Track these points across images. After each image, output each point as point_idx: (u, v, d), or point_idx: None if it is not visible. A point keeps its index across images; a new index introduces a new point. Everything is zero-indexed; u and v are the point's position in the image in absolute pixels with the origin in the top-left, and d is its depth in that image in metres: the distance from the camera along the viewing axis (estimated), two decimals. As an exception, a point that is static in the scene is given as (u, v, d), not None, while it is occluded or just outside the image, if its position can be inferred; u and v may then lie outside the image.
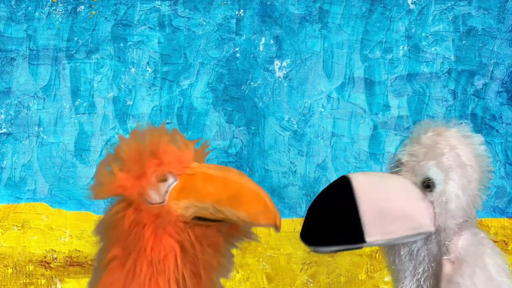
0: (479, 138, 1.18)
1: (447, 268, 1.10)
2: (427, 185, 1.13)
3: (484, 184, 1.17)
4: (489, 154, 1.19)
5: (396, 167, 1.20)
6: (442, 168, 1.12)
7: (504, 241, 2.11)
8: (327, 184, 2.08)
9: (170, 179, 1.14)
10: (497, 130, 2.13)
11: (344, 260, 2.12)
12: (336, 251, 1.16)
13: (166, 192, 1.13)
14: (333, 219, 1.11)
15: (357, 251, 2.13)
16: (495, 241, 2.08)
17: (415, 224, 1.12)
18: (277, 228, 1.10)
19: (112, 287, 1.14)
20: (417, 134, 1.19)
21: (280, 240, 2.12)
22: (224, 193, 1.12)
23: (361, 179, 1.14)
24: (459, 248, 1.11)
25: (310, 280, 2.12)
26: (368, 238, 1.10)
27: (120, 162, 1.17)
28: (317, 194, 1.18)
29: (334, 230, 1.11)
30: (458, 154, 1.13)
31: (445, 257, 1.11)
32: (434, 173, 1.12)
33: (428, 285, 1.16)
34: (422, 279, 1.16)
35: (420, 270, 1.16)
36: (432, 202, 1.13)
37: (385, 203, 1.12)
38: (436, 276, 1.15)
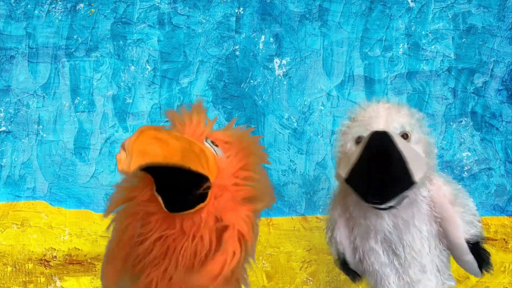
0: (403, 102, 1.47)
1: (443, 199, 1.34)
2: (404, 138, 1.29)
3: (427, 127, 1.37)
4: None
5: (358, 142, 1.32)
6: (406, 121, 1.31)
7: (504, 239, 2.11)
8: (327, 182, 2.10)
9: None
10: (497, 128, 2.13)
11: (344, 258, 2.12)
12: (397, 203, 1.27)
13: None
14: (390, 170, 1.20)
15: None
16: (495, 239, 2.09)
17: (424, 160, 1.29)
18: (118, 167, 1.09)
19: None
20: (362, 110, 1.38)
21: (279, 239, 2.11)
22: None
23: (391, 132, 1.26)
24: (440, 182, 1.35)
25: (310, 278, 2.12)
26: (416, 178, 1.21)
27: None
28: (359, 156, 1.23)
29: (394, 180, 1.21)
30: (405, 111, 1.34)
31: (435, 193, 1.33)
32: (407, 126, 1.31)
33: (424, 228, 1.34)
34: (420, 224, 1.34)
35: (416, 216, 1.34)
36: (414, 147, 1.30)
37: (406, 146, 1.25)
38: (427, 215, 1.34)
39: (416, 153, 1.27)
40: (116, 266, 1.25)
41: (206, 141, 1.26)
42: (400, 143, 1.21)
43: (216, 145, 1.28)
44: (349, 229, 1.43)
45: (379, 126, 1.28)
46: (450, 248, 1.38)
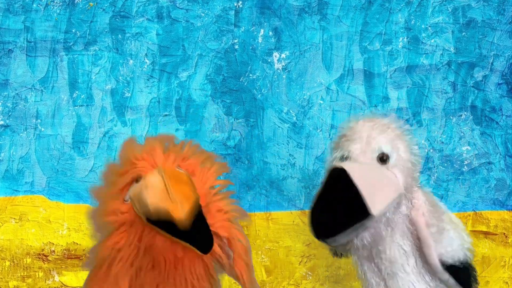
0: (393, 115, 1.47)
1: (421, 219, 1.37)
2: (382, 159, 1.34)
3: (414, 144, 1.42)
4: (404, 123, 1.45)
5: (342, 160, 1.38)
6: (389, 141, 1.36)
7: (504, 233, 2.10)
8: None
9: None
10: (497, 122, 2.12)
11: (343, 253, 2.12)
12: (350, 238, 1.32)
13: None
14: (341, 207, 1.26)
15: (356, 244, 2.12)
16: (495, 234, 2.08)
17: (396, 186, 1.33)
18: (177, 221, 1.10)
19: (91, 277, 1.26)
20: (349, 128, 1.41)
21: (279, 233, 2.11)
22: (141, 187, 1.16)
23: (349, 165, 1.32)
24: (421, 201, 1.38)
25: (309, 273, 2.11)
26: (373, 211, 1.26)
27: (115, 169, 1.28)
28: (317, 192, 1.30)
29: (344, 216, 1.26)
30: (392, 129, 1.39)
31: (414, 212, 1.37)
32: (386, 147, 1.35)
33: (406, 243, 1.38)
34: (402, 240, 1.38)
35: (398, 232, 1.37)
36: (391, 170, 1.34)
37: (372, 177, 1.31)
38: (409, 232, 1.38)
39: (383, 182, 1.32)
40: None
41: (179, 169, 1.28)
42: (359, 177, 1.26)
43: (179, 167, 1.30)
44: None
45: (357, 148, 1.35)
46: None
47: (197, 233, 1.16)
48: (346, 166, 1.30)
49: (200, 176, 1.26)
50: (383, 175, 1.33)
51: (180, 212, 1.09)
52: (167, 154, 1.25)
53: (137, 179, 1.21)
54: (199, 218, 1.15)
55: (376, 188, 1.29)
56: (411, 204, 1.39)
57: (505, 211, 2.11)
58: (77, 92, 2.11)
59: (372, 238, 1.36)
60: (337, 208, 1.26)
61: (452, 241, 1.39)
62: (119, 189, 1.22)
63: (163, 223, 1.15)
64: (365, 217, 1.26)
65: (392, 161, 1.35)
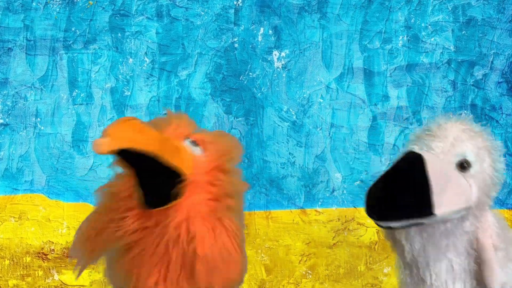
0: (488, 128, 1.35)
1: (487, 241, 1.25)
2: (463, 166, 1.25)
3: (501, 162, 1.32)
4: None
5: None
6: (476, 150, 1.26)
7: (504, 232, 2.10)
8: (326, 175, 2.10)
9: None
10: (497, 121, 2.12)
11: (343, 251, 2.12)
12: (404, 226, 1.23)
13: None
14: (406, 193, 1.17)
15: (356, 242, 2.12)
16: (495, 233, 2.08)
17: (467, 197, 1.24)
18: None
19: None
20: (437, 125, 1.31)
21: (278, 232, 2.11)
22: None
23: (428, 155, 1.22)
24: (490, 221, 1.27)
25: (309, 271, 2.11)
26: (437, 210, 1.17)
27: None
28: (385, 170, 1.22)
29: (406, 204, 1.17)
30: (483, 138, 1.30)
31: (481, 233, 1.26)
32: (471, 155, 1.25)
33: (458, 262, 1.28)
34: (454, 257, 1.27)
35: (452, 248, 1.27)
36: (468, 181, 1.25)
37: (448, 177, 1.21)
38: (466, 251, 1.27)
39: (456, 187, 1.23)
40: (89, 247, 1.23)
41: (187, 141, 1.24)
42: (434, 171, 1.18)
43: (197, 145, 1.25)
44: None
45: (439, 147, 1.26)
46: None
47: (150, 185, 1.14)
48: (426, 155, 1.20)
49: (206, 158, 1.22)
50: (457, 180, 1.23)
51: (103, 145, 1.05)
52: (176, 125, 1.23)
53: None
54: (156, 170, 1.12)
55: (447, 190, 1.19)
56: (477, 223, 1.27)
57: (505, 209, 2.11)
58: (76, 90, 2.11)
59: (423, 244, 1.28)
60: (401, 194, 1.17)
61: None
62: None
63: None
64: (426, 214, 1.17)
65: (472, 171, 1.25)
